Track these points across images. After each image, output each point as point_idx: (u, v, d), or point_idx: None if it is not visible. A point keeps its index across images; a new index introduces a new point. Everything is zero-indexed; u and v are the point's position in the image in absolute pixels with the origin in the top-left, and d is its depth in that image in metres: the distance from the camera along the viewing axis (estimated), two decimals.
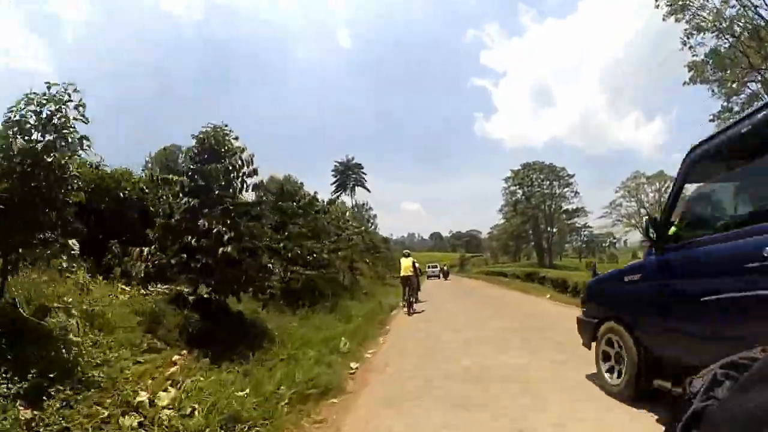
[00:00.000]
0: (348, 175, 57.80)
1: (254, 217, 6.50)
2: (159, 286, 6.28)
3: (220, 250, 5.40)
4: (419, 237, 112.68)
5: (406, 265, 12.07)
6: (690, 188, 3.49)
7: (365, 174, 58.87)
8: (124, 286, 5.84)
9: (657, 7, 23.71)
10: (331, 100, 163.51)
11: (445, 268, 40.10)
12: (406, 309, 11.58)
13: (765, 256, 2.24)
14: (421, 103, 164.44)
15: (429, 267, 40.20)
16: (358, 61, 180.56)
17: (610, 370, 3.91)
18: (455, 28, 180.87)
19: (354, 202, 49.11)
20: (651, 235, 3.40)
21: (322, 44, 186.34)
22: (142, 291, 5.92)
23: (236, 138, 6.87)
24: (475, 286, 25.84)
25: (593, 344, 4.19)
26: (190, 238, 5.62)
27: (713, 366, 0.56)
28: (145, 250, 5.86)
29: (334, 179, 56.26)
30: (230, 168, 6.43)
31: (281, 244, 8.68)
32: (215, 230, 5.47)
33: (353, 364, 5.52)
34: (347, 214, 14.91)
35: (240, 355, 5.14)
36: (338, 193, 46.46)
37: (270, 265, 6.22)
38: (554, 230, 58.80)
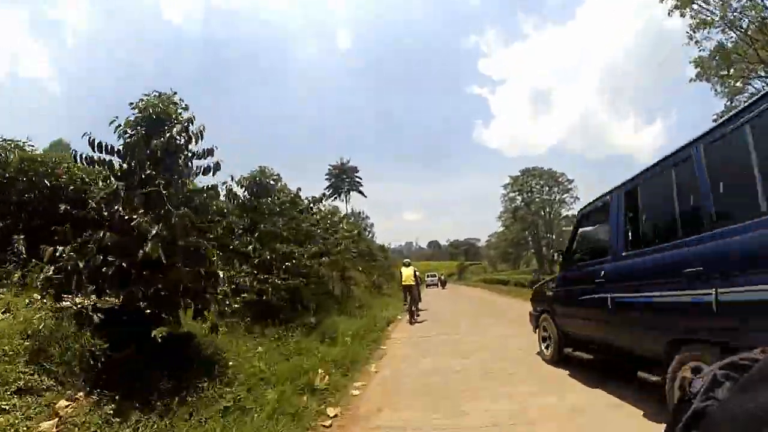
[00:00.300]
0: (342, 179, 54.99)
1: (202, 211, 4.91)
2: (81, 297, 4.66)
3: (141, 250, 3.82)
4: (417, 246, 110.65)
5: (407, 274, 12.20)
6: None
7: (360, 178, 56.27)
8: (35, 296, 4.26)
9: (661, 1, 22.66)
10: (329, 101, 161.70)
11: (443, 277, 42.83)
12: (408, 318, 11.65)
13: (601, 275, 4.10)
14: (420, 105, 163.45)
15: (428, 276, 41.69)
16: (357, 61, 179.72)
17: (546, 346, 5.82)
18: (455, 29, 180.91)
19: (351, 209, 46.70)
20: (559, 260, 5.63)
21: (321, 44, 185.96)
22: (56, 304, 4.31)
23: (186, 108, 5.42)
24: (475, 295, 24.14)
25: (538, 330, 6.19)
26: (104, 233, 4.04)
27: (713, 366, 0.56)
28: (60, 249, 4.25)
29: (328, 183, 54.25)
30: (173, 143, 4.91)
31: (250, 248, 7.08)
32: (135, 223, 3.90)
33: (331, 411, 3.87)
34: (337, 216, 13.23)
35: (166, 398, 3.53)
36: (333, 198, 44.05)
37: (221, 273, 4.62)
38: (554, 236, 57.05)
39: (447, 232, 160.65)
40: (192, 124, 5.37)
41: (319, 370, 4.75)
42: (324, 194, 10.31)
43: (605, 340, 4.23)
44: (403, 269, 12.57)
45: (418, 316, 11.93)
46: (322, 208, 12.40)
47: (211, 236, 4.94)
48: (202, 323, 4.68)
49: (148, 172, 4.83)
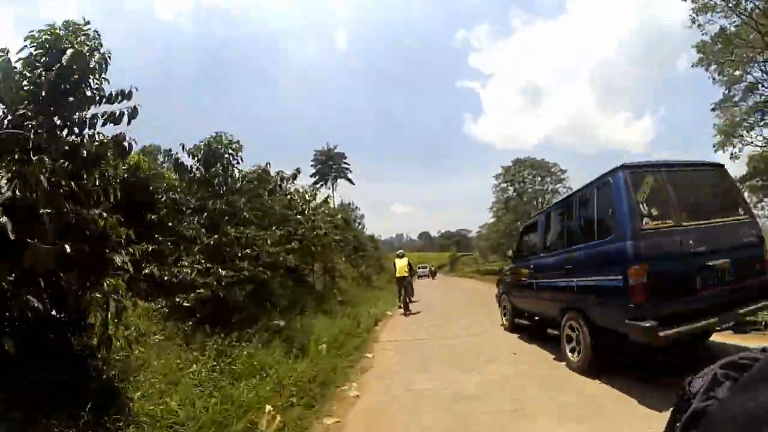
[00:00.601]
0: (329, 165, 50.74)
1: (88, 166, 3.26)
2: None
3: None
4: (408, 238, 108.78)
5: (401, 265, 12.14)
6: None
7: (348, 164, 51.83)
8: None
9: None
10: (328, 100, 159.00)
11: (433, 268, 45.39)
12: (403, 309, 11.69)
13: (531, 267, 5.97)
14: (412, 103, 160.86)
15: (419, 267, 42.20)
16: (355, 61, 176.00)
17: (505, 316, 7.90)
18: (448, 27, 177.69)
19: (340, 200, 43.98)
20: (511, 254, 7.57)
21: (321, 44, 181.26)
22: None
23: (96, 36, 3.89)
24: (468, 287, 22.73)
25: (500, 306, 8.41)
26: None
27: (713, 366, 0.56)
28: None
29: (314, 170, 51.07)
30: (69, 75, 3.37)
31: (193, 231, 5.45)
32: None
33: None
34: (317, 197, 11.57)
35: None
36: (319, 185, 41.16)
37: (118, 257, 2.99)
38: None
39: (438, 224, 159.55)
40: (98, 53, 3.77)
41: (267, 408, 3.16)
42: (298, 170, 8.61)
43: (534, 310, 6.24)
44: (397, 261, 12.50)
45: (411, 305, 11.99)
46: (300, 189, 10.74)
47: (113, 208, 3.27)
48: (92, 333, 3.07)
49: (22, 112, 3.30)
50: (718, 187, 4.35)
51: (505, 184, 57.65)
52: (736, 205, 4.29)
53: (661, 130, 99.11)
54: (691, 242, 3.70)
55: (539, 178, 55.50)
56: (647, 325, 3.40)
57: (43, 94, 3.55)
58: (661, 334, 3.34)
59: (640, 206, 3.79)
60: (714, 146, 23.58)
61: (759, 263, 3.99)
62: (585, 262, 4.34)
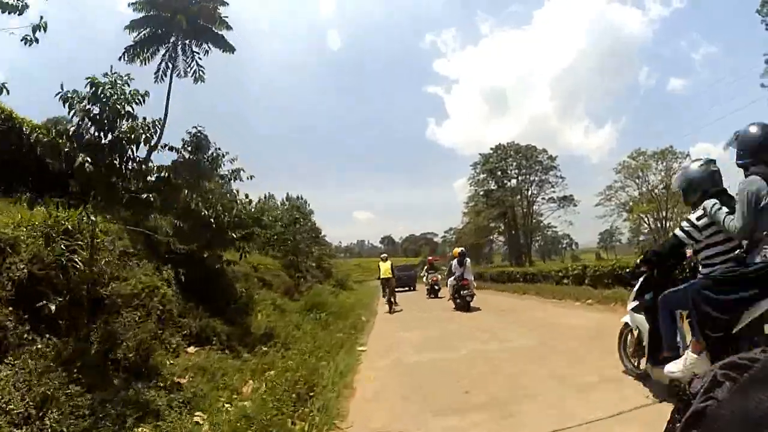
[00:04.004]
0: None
1: None
2: None
3: None
4: (369, 244, 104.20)
5: (385, 268, 13.50)
6: None
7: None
8: None
9: None
10: (281, 101, 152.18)
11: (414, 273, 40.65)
12: (388, 308, 12.83)
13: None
14: (369, 109, 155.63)
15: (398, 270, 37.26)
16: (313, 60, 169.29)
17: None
18: (414, 31, 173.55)
19: (285, 197, 30.92)
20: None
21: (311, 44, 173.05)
22: None
23: None
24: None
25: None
26: None
27: (713, 366, 0.56)
28: None
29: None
30: None
31: None
32: None
33: None
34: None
35: None
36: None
37: None
38: (536, 221, 50.72)
39: (401, 230, 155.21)
40: None
41: None
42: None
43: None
44: (381, 263, 13.93)
45: (396, 305, 13.09)
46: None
47: None
48: None
49: None
50: None
51: (483, 175, 50.86)
52: None
53: (621, 139, 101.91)
54: None
55: (526, 166, 48.85)
56: None
57: None
58: None
59: None
60: None
61: None
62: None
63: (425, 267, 22.15)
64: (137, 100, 4.70)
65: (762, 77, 26.45)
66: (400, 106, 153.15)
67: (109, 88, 4.34)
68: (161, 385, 4.13)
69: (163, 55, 13.09)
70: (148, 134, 4.70)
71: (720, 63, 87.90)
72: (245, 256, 6.79)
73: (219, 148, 8.40)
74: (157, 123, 4.89)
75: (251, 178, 8.55)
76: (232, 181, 8.73)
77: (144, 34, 13.22)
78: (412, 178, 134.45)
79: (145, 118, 4.81)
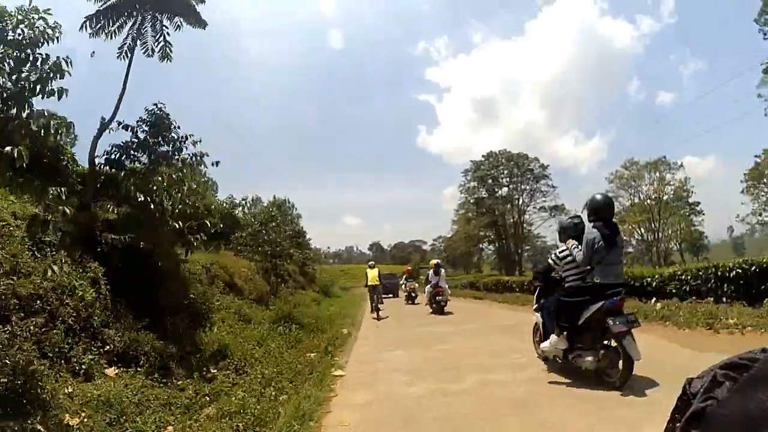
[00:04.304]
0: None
1: None
2: None
3: None
4: (358, 250, 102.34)
5: (372, 275, 13.92)
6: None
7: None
8: None
9: None
10: (277, 104, 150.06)
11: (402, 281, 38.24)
12: (375, 316, 12.75)
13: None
14: (360, 113, 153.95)
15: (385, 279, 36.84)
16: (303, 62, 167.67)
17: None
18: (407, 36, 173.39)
19: (272, 200, 29.13)
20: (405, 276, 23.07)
21: (313, 44, 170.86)
22: None
23: None
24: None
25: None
26: None
27: (713, 366, 0.56)
28: None
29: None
30: None
31: None
32: None
33: None
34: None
35: None
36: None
37: None
38: (527, 228, 50.13)
39: (389, 236, 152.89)
40: None
41: None
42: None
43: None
44: (368, 271, 14.15)
45: (381, 311, 13.01)
46: None
47: None
48: None
49: None
50: None
51: (474, 183, 50.46)
52: None
53: (612, 150, 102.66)
54: None
55: (517, 175, 48.22)
56: None
57: None
58: None
59: None
60: None
61: None
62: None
63: (405, 276, 23.59)
64: (48, 36, 3.70)
65: (758, 88, 26.33)
66: (392, 113, 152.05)
67: (20, 20, 3.71)
68: (39, 429, 2.84)
69: (130, 28, 11.59)
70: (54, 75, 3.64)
71: (707, 78, 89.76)
72: (191, 252, 5.47)
73: (179, 127, 7.22)
74: (68, 61, 3.74)
75: (216, 165, 7.35)
76: (196, 167, 7.53)
77: (108, 3, 11.81)
78: (403, 184, 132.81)
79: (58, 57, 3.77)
